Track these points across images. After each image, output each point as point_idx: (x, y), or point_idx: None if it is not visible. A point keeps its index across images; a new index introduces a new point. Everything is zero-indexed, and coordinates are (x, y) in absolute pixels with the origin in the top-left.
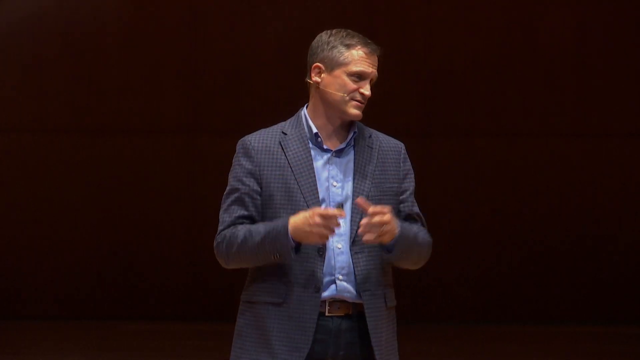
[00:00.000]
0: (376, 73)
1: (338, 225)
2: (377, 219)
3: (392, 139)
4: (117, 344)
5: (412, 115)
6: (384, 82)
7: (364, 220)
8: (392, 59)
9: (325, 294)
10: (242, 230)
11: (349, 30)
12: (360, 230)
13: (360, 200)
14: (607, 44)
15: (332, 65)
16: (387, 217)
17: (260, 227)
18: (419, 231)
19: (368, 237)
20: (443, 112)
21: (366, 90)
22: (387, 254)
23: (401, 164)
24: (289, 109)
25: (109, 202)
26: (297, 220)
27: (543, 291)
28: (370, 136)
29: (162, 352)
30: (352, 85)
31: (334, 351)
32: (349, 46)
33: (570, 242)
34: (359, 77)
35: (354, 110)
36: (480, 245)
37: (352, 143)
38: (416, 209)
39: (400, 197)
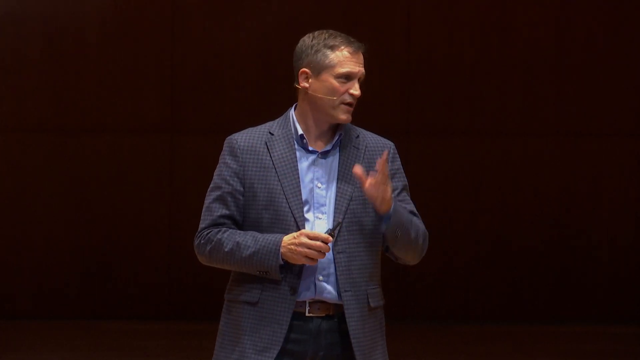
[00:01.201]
0: (363, 71)
1: (327, 249)
2: (380, 176)
3: (382, 138)
4: (95, 343)
5: (391, 114)
6: (364, 80)
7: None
8: (371, 58)
9: (305, 295)
10: (229, 239)
11: (331, 31)
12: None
13: (358, 170)
14: (585, 43)
15: (318, 70)
16: (388, 181)
17: (249, 241)
18: (413, 217)
19: (370, 191)
20: (422, 111)
21: (355, 90)
22: (384, 225)
23: (389, 164)
24: (269, 108)
25: (88, 201)
26: (285, 239)
27: (532, 290)
28: (357, 136)
29: (140, 352)
30: (340, 88)
31: (313, 351)
32: (333, 47)
33: (554, 241)
34: (347, 77)
35: (343, 115)
36: (460, 243)
37: (338, 144)
38: (408, 207)
39: None
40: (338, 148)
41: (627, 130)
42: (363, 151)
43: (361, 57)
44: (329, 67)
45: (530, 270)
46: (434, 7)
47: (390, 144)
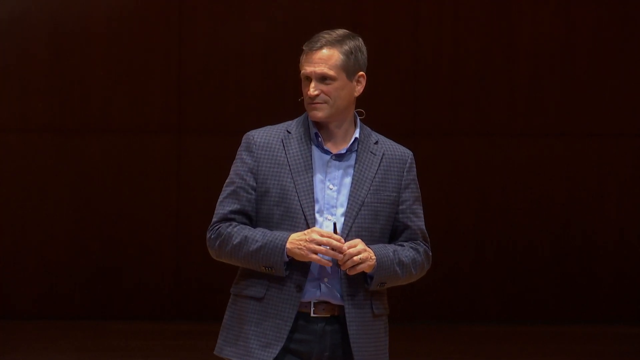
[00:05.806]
0: (316, 70)
1: (339, 246)
2: (347, 254)
3: (401, 147)
4: (100, 344)
5: (397, 115)
6: (369, 81)
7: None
8: (378, 59)
9: (310, 295)
10: (238, 233)
11: (323, 32)
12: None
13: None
14: (591, 43)
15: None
16: (358, 248)
17: (258, 235)
18: (408, 254)
19: (345, 269)
20: (428, 112)
21: (310, 90)
22: (367, 284)
23: (404, 174)
24: (274, 109)
25: (94, 202)
26: (294, 236)
27: (537, 290)
28: (376, 142)
29: (146, 352)
30: (305, 89)
31: (319, 352)
32: (304, 49)
33: (559, 242)
34: (307, 78)
35: (310, 112)
36: (466, 244)
37: (355, 148)
38: (417, 220)
39: (399, 207)
40: (355, 152)
41: (633, 131)
42: (380, 158)
43: (321, 54)
44: (300, 69)
45: (535, 271)
46: (440, 8)
47: (408, 153)
